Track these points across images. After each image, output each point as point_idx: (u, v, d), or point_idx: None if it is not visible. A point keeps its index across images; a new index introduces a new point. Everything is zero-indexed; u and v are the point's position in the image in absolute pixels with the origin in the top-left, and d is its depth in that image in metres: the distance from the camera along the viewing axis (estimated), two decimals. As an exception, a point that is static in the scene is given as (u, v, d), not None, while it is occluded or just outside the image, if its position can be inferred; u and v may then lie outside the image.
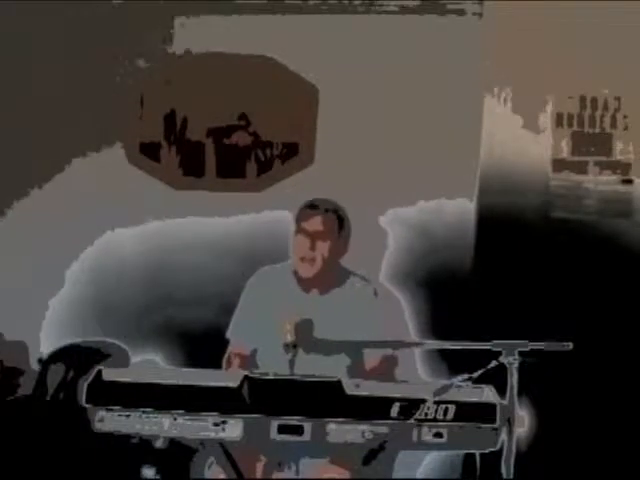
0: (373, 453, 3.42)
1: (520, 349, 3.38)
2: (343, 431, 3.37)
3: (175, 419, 3.40)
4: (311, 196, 4.21)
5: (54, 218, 5.36)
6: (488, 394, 3.39)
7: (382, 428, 3.36)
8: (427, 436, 3.37)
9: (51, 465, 4.72)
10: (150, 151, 5.60)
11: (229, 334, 4.25)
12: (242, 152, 5.52)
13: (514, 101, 5.03)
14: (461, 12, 5.19)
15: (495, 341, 3.43)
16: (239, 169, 5.53)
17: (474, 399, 3.38)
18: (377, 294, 4.19)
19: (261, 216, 5.32)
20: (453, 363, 3.97)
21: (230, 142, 5.53)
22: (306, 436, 3.37)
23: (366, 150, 5.19)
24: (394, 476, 3.93)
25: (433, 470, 4.77)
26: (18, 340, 5.39)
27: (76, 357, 5.12)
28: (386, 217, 5.22)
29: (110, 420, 3.42)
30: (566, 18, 4.85)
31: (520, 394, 3.36)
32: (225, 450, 3.57)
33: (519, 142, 5.02)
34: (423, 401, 3.35)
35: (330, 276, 4.14)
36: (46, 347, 5.33)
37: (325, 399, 3.38)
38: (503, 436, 3.35)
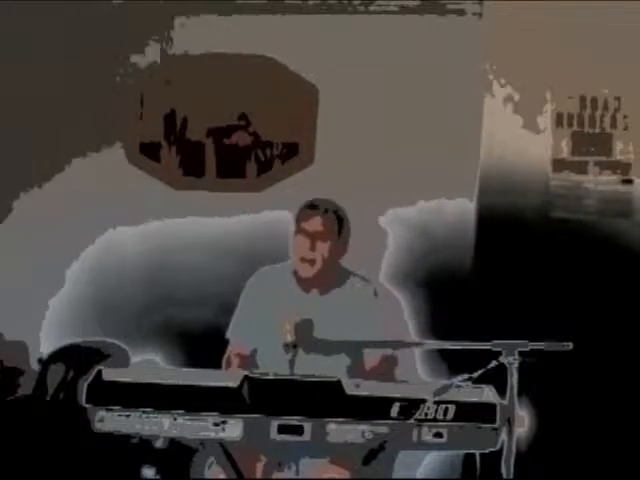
0: (373, 453, 3.42)
1: (520, 349, 3.38)
2: (343, 431, 3.37)
3: (175, 419, 3.40)
4: (311, 196, 4.21)
5: (54, 218, 5.36)
6: (488, 394, 3.39)
7: (382, 428, 3.36)
8: (427, 436, 3.37)
9: (51, 465, 4.72)
10: (150, 151, 5.60)
11: (229, 334, 4.25)
12: (242, 152, 5.52)
13: (514, 101, 5.03)
14: (461, 12, 5.19)
15: (495, 341, 3.43)
16: (239, 169, 5.53)
17: (474, 399, 3.38)
18: (377, 294, 4.19)
19: (261, 216, 5.32)
20: (453, 363, 3.98)
21: (230, 142, 5.53)
22: (306, 436, 3.37)
23: (366, 150, 5.19)
24: (394, 476, 3.93)
25: (433, 470, 4.77)
26: (18, 340, 5.39)
27: (76, 357, 5.12)
28: (386, 217, 5.23)
29: (110, 420, 3.42)
30: (566, 18, 4.85)
31: (520, 394, 3.36)
32: (225, 450, 3.57)
33: (519, 142, 5.02)
34: (423, 401, 3.35)
35: (330, 276, 4.14)
36: (46, 347, 5.33)
37: (325, 399, 3.38)
38: (503, 436, 3.35)
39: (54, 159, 5.52)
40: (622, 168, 4.99)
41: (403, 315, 4.44)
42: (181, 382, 3.42)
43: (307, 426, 3.37)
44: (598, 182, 5.01)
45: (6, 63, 5.50)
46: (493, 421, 3.35)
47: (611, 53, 4.84)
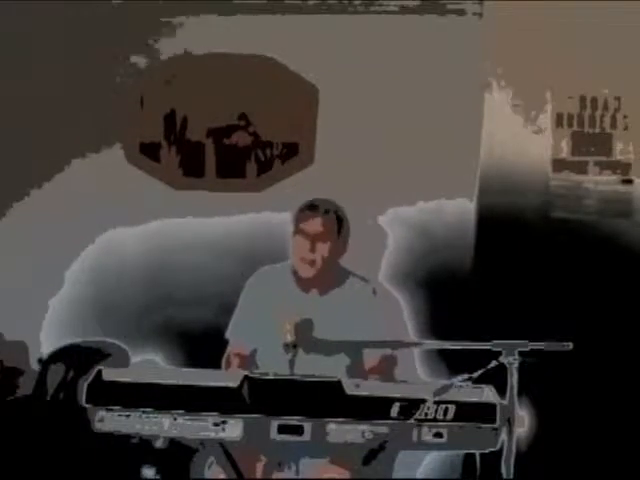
0: (373, 453, 3.42)
1: (520, 349, 3.39)
2: (343, 431, 3.37)
3: (175, 419, 3.40)
4: (311, 196, 4.21)
5: (54, 218, 5.36)
6: (488, 394, 3.39)
7: (382, 428, 3.36)
8: (427, 436, 3.37)
9: (51, 465, 4.72)
10: (150, 151, 5.60)
11: (228, 334, 4.25)
12: (242, 152, 5.52)
13: (514, 101, 5.03)
14: (461, 12, 5.19)
15: (495, 341, 3.43)
16: (239, 169, 5.53)
17: (474, 399, 3.38)
18: (376, 294, 4.19)
19: (261, 216, 5.31)
20: (453, 363, 3.97)
21: (230, 142, 5.53)
22: (306, 436, 3.37)
23: (366, 150, 5.19)
24: (394, 476, 3.93)
25: (433, 470, 4.77)
26: (18, 340, 5.39)
27: (76, 357, 5.12)
28: (386, 217, 5.22)
29: (110, 420, 3.42)
30: (566, 18, 4.84)
31: (520, 394, 3.36)
32: (225, 450, 3.57)
33: (519, 142, 5.02)
34: (423, 401, 3.35)
35: (330, 276, 4.14)
36: (46, 347, 5.33)
37: (325, 399, 3.38)
38: (503, 436, 3.35)
39: (54, 159, 5.52)
40: (622, 168, 4.99)
41: (403, 315, 4.44)
42: (181, 382, 3.42)
43: (307, 426, 3.37)
44: (598, 182, 5.01)
45: (6, 63, 5.50)
46: (493, 421, 3.35)
47: (611, 53, 4.84)
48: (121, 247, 5.52)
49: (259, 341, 4.12)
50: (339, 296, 4.15)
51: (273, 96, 5.45)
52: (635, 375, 4.76)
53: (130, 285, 5.48)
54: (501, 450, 3.35)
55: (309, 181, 5.28)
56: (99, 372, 3.45)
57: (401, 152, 5.14)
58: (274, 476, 3.68)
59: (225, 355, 4.22)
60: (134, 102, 5.61)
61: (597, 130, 5.02)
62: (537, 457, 4.13)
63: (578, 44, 4.88)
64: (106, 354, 5.09)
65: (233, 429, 3.38)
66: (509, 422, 3.34)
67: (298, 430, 3.37)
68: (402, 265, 5.16)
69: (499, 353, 3.39)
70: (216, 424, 3.39)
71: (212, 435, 3.40)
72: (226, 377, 3.51)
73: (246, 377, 3.42)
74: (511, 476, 3.34)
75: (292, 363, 3.82)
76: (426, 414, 3.35)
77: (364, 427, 3.37)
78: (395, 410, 3.36)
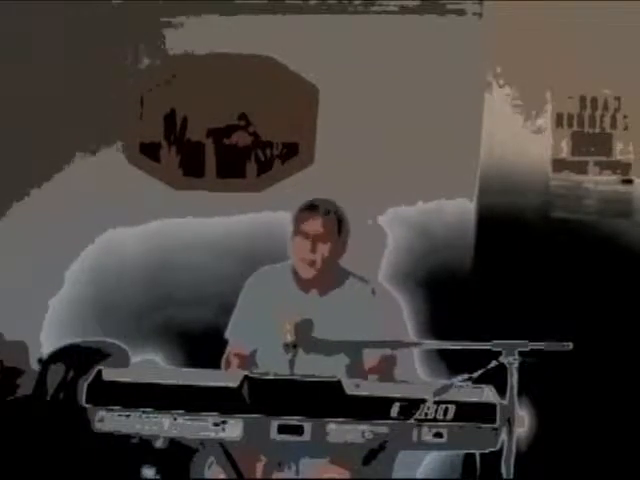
0: (373, 453, 3.42)
1: (520, 349, 3.38)
2: (343, 431, 3.37)
3: (175, 419, 3.40)
4: (311, 196, 4.21)
5: (54, 218, 5.36)
6: (488, 394, 3.39)
7: (382, 428, 3.36)
8: (427, 436, 3.37)
9: (51, 465, 4.72)
10: (150, 151, 5.60)
11: (228, 334, 4.25)
12: (242, 152, 5.52)
13: (514, 101, 5.03)
14: (461, 12, 5.19)
15: (495, 341, 3.43)
16: (239, 169, 5.53)
17: (474, 399, 3.38)
18: (375, 293, 4.19)
19: (261, 216, 5.31)
20: (453, 363, 3.97)
21: (230, 142, 5.53)
22: (306, 436, 3.37)
23: (366, 150, 5.19)
24: (394, 476, 3.93)
25: (433, 470, 4.77)
26: (18, 340, 5.39)
27: (76, 357, 5.12)
28: (386, 217, 5.22)
29: (110, 420, 3.42)
30: (566, 18, 4.84)
31: (520, 394, 3.36)
32: (225, 450, 3.57)
33: (519, 142, 5.02)
34: (423, 401, 3.35)
35: (329, 277, 4.14)
36: (46, 347, 5.33)
37: (325, 399, 3.38)
38: (503, 436, 3.35)
39: (54, 159, 5.52)
40: (622, 168, 4.99)
41: (402, 315, 4.44)
42: (181, 382, 3.42)
43: (307, 426, 3.37)
44: (598, 182, 5.01)
45: (6, 63, 5.50)
46: (493, 421, 3.35)
47: (611, 53, 4.84)
48: (121, 247, 5.52)
49: (259, 341, 4.12)
50: (339, 296, 4.15)
51: (273, 96, 5.45)
52: (635, 375, 4.76)
53: (130, 285, 5.48)
54: (501, 450, 3.35)
55: (309, 181, 5.28)
56: (99, 372, 3.45)
57: (401, 152, 5.14)
58: (274, 476, 3.68)
59: (225, 355, 4.22)
60: (134, 102, 5.61)
61: (597, 130, 5.02)
62: (537, 457, 4.13)
63: (578, 44, 4.88)
64: (106, 354, 5.09)
65: (233, 429, 3.38)
66: (509, 422, 3.34)
67: (298, 430, 3.37)
68: (402, 265, 5.16)
69: (499, 353, 3.39)
70: (216, 424, 3.38)
71: (212, 435, 3.40)
72: (226, 377, 3.51)
73: (246, 377, 3.42)
74: (511, 476, 3.34)
75: (292, 363, 3.82)
76: (426, 414, 3.35)
77: (364, 427, 3.37)
78: (395, 410, 3.36)
